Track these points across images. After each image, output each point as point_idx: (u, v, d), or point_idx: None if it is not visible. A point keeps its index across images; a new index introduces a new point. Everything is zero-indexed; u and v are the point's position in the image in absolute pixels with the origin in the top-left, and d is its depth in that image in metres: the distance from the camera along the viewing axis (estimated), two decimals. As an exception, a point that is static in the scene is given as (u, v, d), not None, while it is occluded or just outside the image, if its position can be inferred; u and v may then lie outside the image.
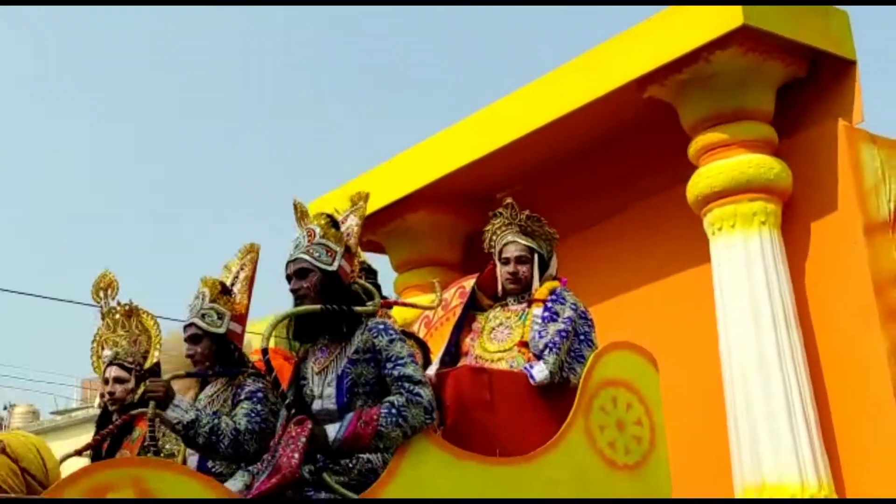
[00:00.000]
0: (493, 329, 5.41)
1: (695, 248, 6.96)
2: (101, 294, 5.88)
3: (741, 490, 6.36)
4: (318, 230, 4.73)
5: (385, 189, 8.01)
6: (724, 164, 6.57)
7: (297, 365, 4.76)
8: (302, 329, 4.69)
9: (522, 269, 5.37)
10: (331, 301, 4.60)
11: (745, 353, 6.43)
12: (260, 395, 4.89)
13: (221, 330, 5.05)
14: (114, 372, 5.63)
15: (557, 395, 4.92)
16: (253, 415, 4.77)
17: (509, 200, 5.62)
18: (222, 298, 5.19)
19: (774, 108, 6.76)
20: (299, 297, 4.63)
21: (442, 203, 7.92)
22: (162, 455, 5.25)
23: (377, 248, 8.44)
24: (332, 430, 4.23)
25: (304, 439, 4.19)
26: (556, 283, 5.33)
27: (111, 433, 5.21)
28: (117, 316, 5.88)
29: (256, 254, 5.46)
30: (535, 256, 5.38)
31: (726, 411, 6.54)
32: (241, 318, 5.18)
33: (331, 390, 4.45)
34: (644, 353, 5.22)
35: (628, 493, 4.98)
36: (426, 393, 4.29)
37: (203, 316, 5.07)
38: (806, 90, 6.90)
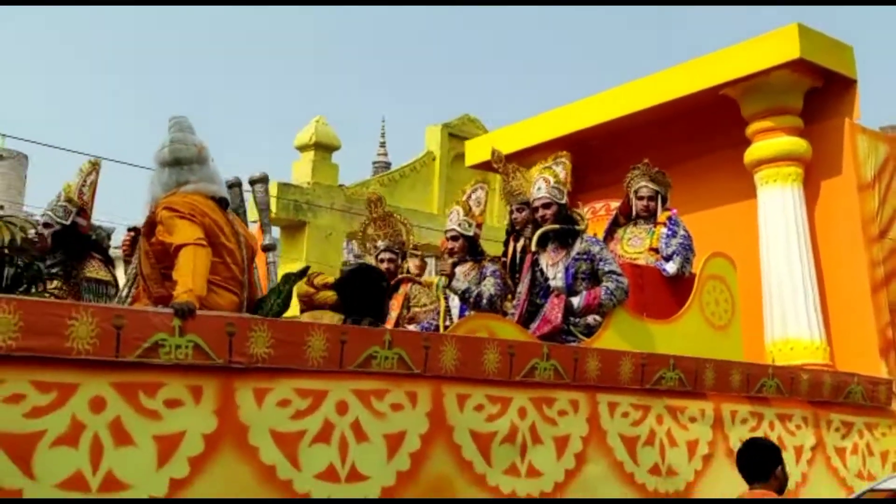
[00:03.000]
0: (630, 239, 6.97)
1: (747, 193, 8.27)
2: (372, 205, 7.11)
3: (771, 341, 7.72)
4: (551, 179, 6.02)
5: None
6: (771, 142, 8.01)
7: (533, 259, 6.03)
8: (542, 238, 6.01)
9: (652, 203, 6.97)
10: (554, 222, 5.95)
11: (779, 262, 7.86)
12: (498, 273, 6.30)
13: (470, 233, 6.41)
14: (387, 255, 6.87)
15: (678, 283, 6.62)
16: (497, 287, 6.21)
17: (646, 160, 6.89)
18: (470, 213, 6.40)
19: (802, 107, 8.10)
20: (544, 221, 6.00)
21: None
22: (422, 305, 6.75)
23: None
24: (574, 300, 5.81)
25: (562, 304, 5.81)
26: (669, 213, 6.90)
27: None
28: (382, 220, 7.03)
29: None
30: (659, 196, 6.94)
31: (763, 296, 7.91)
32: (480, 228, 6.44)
33: (561, 275, 5.88)
34: (730, 259, 6.77)
35: (722, 342, 6.40)
36: (625, 282, 5.86)
37: (460, 224, 6.35)
38: (823, 96, 8.19)
